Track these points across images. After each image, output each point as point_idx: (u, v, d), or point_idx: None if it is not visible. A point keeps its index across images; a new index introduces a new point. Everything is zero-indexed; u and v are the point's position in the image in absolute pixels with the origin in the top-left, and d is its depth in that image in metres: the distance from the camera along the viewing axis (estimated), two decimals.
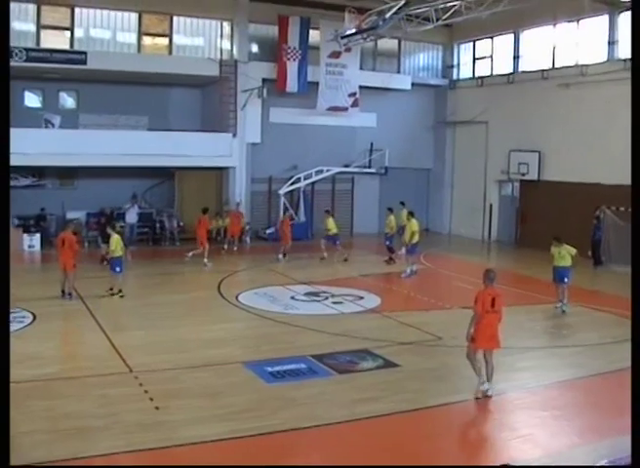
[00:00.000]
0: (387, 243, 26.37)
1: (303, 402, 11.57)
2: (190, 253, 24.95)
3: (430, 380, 12.95)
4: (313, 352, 14.27)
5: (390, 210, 26.56)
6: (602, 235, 26.80)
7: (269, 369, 13.13)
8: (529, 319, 17.87)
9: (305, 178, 32.40)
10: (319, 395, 11.99)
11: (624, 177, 26.57)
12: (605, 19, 28.54)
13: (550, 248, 19.20)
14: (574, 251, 19.00)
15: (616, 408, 11.89)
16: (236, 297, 19.64)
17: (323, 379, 12.84)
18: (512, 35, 33.02)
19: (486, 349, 12.32)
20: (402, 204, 28.64)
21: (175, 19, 30.54)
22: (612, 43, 28.41)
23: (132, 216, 28.75)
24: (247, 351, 14.61)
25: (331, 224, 26.62)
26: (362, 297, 20.13)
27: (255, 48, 32.58)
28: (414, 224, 24.06)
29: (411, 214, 24.67)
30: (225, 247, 28.44)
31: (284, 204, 31.90)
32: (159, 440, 9.76)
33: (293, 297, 19.99)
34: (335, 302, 19.52)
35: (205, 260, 24.52)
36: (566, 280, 18.88)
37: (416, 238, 23.80)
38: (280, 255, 26.29)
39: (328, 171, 32.88)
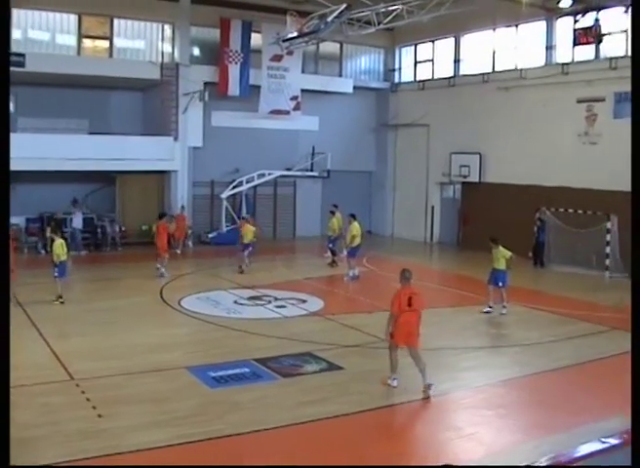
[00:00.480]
0: (330, 245, 26.38)
1: (248, 406, 11.60)
2: (159, 266, 23.51)
3: (374, 382, 13.05)
4: (257, 356, 14.30)
5: (332, 212, 26.62)
6: (545, 237, 27.11)
7: (213, 373, 13.13)
8: (472, 319, 18.14)
9: (248, 182, 32.37)
10: (263, 399, 12.03)
11: (564, 179, 27.32)
12: (543, 24, 29.12)
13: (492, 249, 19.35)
14: (508, 254, 18.95)
15: (557, 405, 12.19)
16: (179, 302, 19.55)
17: (267, 383, 12.88)
18: (453, 39, 33.51)
19: (405, 346, 12.73)
20: (335, 206, 28.79)
21: (115, 21, 30.29)
22: (549, 48, 29.04)
23: (77, 221, 28.42)
24: (190, 356, 14.56)
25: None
26: (305, 301, 20.19)
27: (196, 51, 32.49)
28: (355, 227, 24.17)
29: (353, 216, 24.75)
30: (178, 251, 28.29)
31: (226, 208, 31.86)
32: (102, 448, 9.69)
33: (236, 302, 19.98)
34: (278, 306, 19.57)
35: (162, 270, 23.41)
36: (500, 284, 18.87)
37: (356, 241, 23.92)
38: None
39: (270, 174, 32.92)
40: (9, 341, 5.81)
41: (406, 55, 36.91)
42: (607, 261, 25.55)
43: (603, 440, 6.99)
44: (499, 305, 18.96)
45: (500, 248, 19.01)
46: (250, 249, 24.38)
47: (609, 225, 25.54)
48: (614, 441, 6.92)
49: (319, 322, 17.92)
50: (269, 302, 20.01)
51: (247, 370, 13.51)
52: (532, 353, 15.51)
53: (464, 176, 32.13)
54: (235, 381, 12.86)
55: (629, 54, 25.73)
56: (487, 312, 18.79)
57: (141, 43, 31.38)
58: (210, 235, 31.43)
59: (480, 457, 9.83)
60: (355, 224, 24.33)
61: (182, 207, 30.38)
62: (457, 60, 33.48)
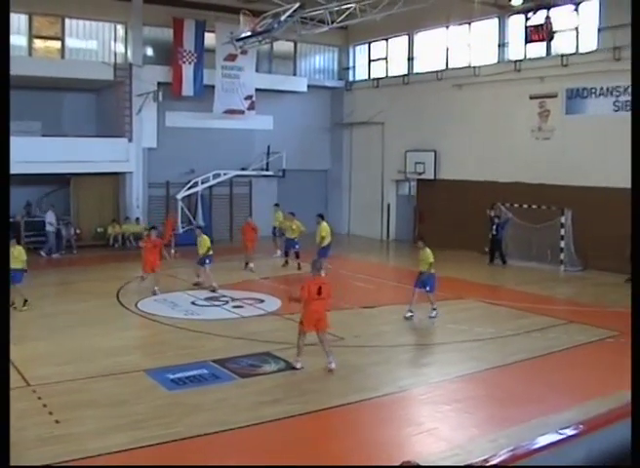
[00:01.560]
0: (297, 247, 25.74)
1: (207, 407, 11.56)
2: (143, 277, 21.63)
3: (333, 380, 13.10)
4: (215, 357, 14.26)
5: (292, 214, 26.15)
6: (504, 233, 27.18)
7: (171, 376, 13.06)
8: (429, 315, 18.20)
9: (203, 182, 32.23)
10: (222, 400, 11.99)
11: (519, 175, 27.60)
12: (495, 22, 29.39)
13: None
14: (430, 259, 18.04)
15: (514, 398, 12.34)
16: (136, 305, 19.40)
17: (226, 384, 12.85)
18: (406, 37, 33.66)
19: (314, 331, 13.63)
20: (277, 205, 28.76)
21: (67, 21, 29.92)
22: (502, 45, 29.34)
23: (50, 224, 28.04)
24: (148, 359, 14.48)
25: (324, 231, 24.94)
26: (262, 301, 20.16)
27: (150, 51, 32.25)
28: (324, 228, 24.08)
29: (321, 216, 24.66)
30: (173, 251, 27.88)
31: (182, 209, 31.70)
32: (59, 454, 9.57)
33: (193, 303, 19.89)
34: (235, 306, 19.52)
35: (156, 288, 21.01)
36: (427, 288, 18.10)
37: (326, 241, 23.85)
38: (251, 264, 25.38)
39: (225, 174, 32.82)
40: (9, 341, 5.75)
41: (360, 53, 37.01)
42: (561, 255, 25.86)
43: (560, 431, 7.07)
44: (415, 308, 18.33)
45: (427, 250, 18.26)
46: (207, 262, 21.95)
47: (563, 220, 25.87)
48: (570, 432, 7.00)
49: (277, 321, 17.90)
50: (227, 303, 19.95)
51: (205, 371, 13.46)
52: (489, 348, 15.65)
53: (420, 173, 32.33)
54: (194, 383, 12.80)
55: (580, 50, 26.17)
56: (409, 317, 18.08)
57: (94, 43, 31.07)
58: None
59: (441, 451, 9.90)
60: (324, 224, 24.21)
61: (168, 212, 30.61)
62: (410, 58, 33.64)
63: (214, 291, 21.29)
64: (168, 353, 14.80)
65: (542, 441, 6.85)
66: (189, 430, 10.48)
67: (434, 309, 18.13)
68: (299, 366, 13.64)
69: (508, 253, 27.29)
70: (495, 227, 27.01)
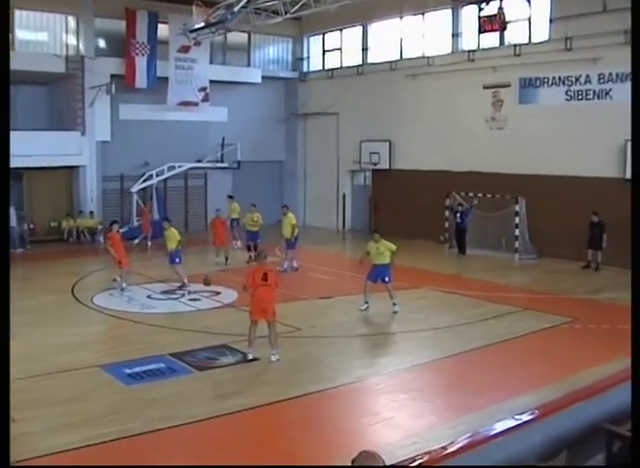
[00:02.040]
0: (259, 240, 25.10)
1: (164, 401, 11.47)
2: (117, 279, 20.85)
3: (291, 371, 13.08)
4: (172, 350, 14.17)
5: (254, 205, 25.69)
6: (468, 221, 27.09)
7: (127, 370, 12.94)
8: (385, 305, 18.23)
9: (158, 175, 31.98)
10: (180, 393, 11.92)
11: (473, 164, 27.79)
12: (448, 12, 29.53)
13: (368, 243, 18.53)
14: (394, 247, 18.09)
15: (470, 385, 12.42)
16: (91, 299, 19.19)
17: (183, 377, 12.78)
18: (361, 28, 33.64)
19: (261, 319, 13.63)
20: (231, 197, 28.57)
21: (17, 12, 29.34)
22: (455, 35, 29.50)
23: (12, 219, 27.57)
24: (104, 354, 14.32)
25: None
26: (219, 293, 20.02)
27: (102, 43, 31.84)
28: (293, 218, 23.88)
29: (286, 207, 24.53)
30: (148, 243, 27.87)
31: (137, 202, 31.44)
32: (14, 453, 9.41)
33: (149, 296, 19.73)
34: (192, 299, 19.41)
35: (124, 285, 20.52)
36: (387, 279, 17.91)
37: (296, 232, 23.59)
38: (222, 258, 25.04)
39: (180, 167, 32.59)
40: (9, 341, 5.64)
41: (314, 44, 36.95)
42: (516, 244, 26.10)
43: (516, 417, 7.14)
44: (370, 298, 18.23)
45: (384, 241, 18.13)
46: (178, 261, 20.94)
47: (517, 208, 26.10)
48: (527, 417, 7.08)
49: (233, 314, 17.79)
50: (183, 296, 19.82)
51: (162, 365, 13.36)
52: (445, 336, 15.75)
53: (375, 164, 32.40)
54: (151, 377, 12.70)
55: (532, 41, 26.38)
56: (365, 309, 17.99)
57: (45, 35, 30.56)
58: (121, 230, 30.82)
59: (398, 441, 9.92)
60: (291, 215, 23.97)
61: (144, 203, 30.70)
62: (365, 49, 33.66)
63: (182, 287, 20.57)
64: (124, 348, 14.65)
65: (500, 426, 6.93)
66: (146, 425, 10.39)
67: (395, 303, 17.97)
68: (250, 356, 13.64)
69: (466, 241, 27.42)
70: (459, 216, 27.04)
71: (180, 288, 20.57)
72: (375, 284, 18.00)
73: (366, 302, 18.03)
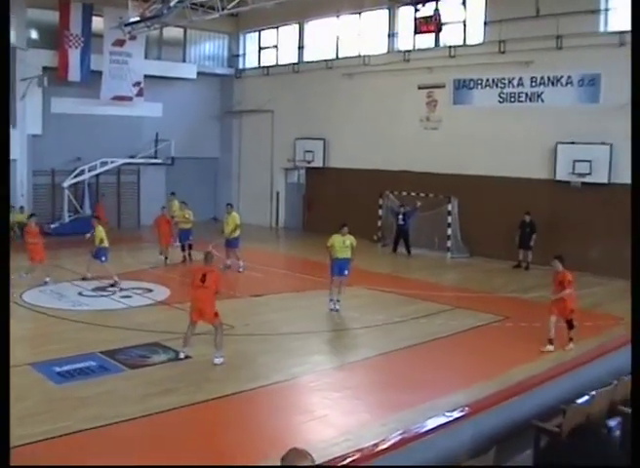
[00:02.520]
0: (191, 238, 24.76)
1: (95, 400, 11.33)
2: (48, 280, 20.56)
3: (224, 369, 13.05)
4: (103, 348, 13.98)
5: (184, 203, 25.48)
6: (411, 222, 27.02)
7: (58, 369, 12.74)
8: (318, 303, 18.28)
9: (90, 170, 31.51)
10: (111, 392, 11.79)
11: (407, 163, 28.03)
12: (385, 12, 29.72)
13: (333, 236, 18.08)
14: (355, 242, 18.05)
15: (403, 383, 12.54)
16: (20, 296, 18.81)
17: (114, 376, 12.63)
18: (297, 25, 33.63)
19: (200, 321, 13.62)
20: (172, 194, 28.31)
21: None
22: (391, 35, 29.70)
23: None
24: (34, 352, 14.06)
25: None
26: (151, 290, 19.89)
27: (34, 34, 31.22)
28: (237, 217, 23.47)
29: (230, 205, 24.18)
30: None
31: (68, 197, 30.96)
32: None
33: (80, 293, 19.45)
34: (124, 296, 19.19)
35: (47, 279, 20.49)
36: (346, 272, 17.88)
37: (238, 231, 23.20)
38: (161, 256, 24.47)
39: (113, 162, 32.14)
40: (9, 340, 5.50)
41: (250, 41, 36.80)
42: (449, 243, 26.42)
43: (447, 414, 7.25)
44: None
45: (350, 235, 18.07)
46: (104, 259, 20.85)
47: (450, 208, 26.42)
48: (457, 414, 7.20)
49: (166, 311, 17.70)
50: (115, 293, 19.59)
51: (93, 363, 13.18)
52: (378, 334, 15.86)
53: (309, 162, 32.46)
54: (82, 376, 12.53)
55: (467, 43, 26.70)
56: (336, 309, 17.96)
57: None
58: (52, 226, 30.40)
59: (331, 438, 9.97)
60: (235, 214, 23.60)
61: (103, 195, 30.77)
62: (301, 47, 33.66)
63: (114, 285, 20.29)
64: (54, 346, 14.41)
65: (431, 423, 7.04)
66: (77, 424, 10.25)
67: (339, 300, 17.96)
68: (182, 355, 13.57)
69: (394, 240, 27.57)
70: (402, 217, 26.95)
71: (112, 286, 20.31)
72: (340, 277, 17.86)
73: (331, 300, 17.96)
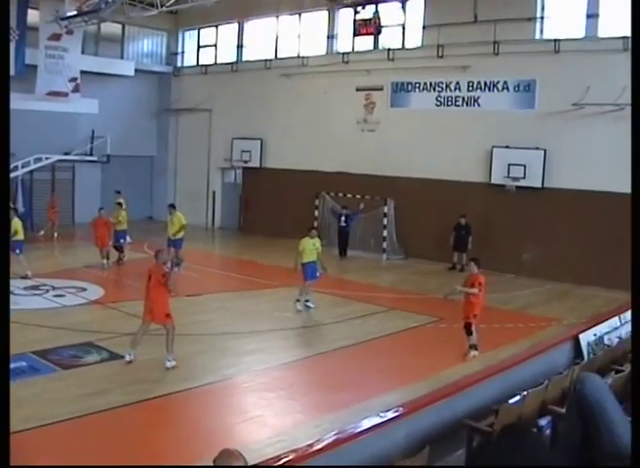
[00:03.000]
0: (122, 241, 24.28)
1: (28, 401, 11.06)
2: None
3: (158, 370, 12.92)
4: (35, 348, 13.73)
5: (119, 204, 24.94)
6: (353, 225, 27.03)
7: None
8: (253, 303, 18.29)
9: (23, 167, 30.90)
10: (42, 393, 11.58)
11: (344, 165, 28.17)
12: (325, 14, 29.80)
13: (302, 240, 18.27)
14: (318, 243, 18.32)
15: (337, 384, 12.58)
16: None
17: (46, 376, 12.43)
18: (237, 25, 33.51)
19: (150, 321, 13.36)
20: (118, 192, 27.96)
21: None
22: (331, 37, 29.82)
23: None
24: None
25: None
26: (85, 289, 19.60)
27: None
28: (181, 217, 22.68)
29: (173, 207, 23.52)
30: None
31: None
32: None
33: (12, 292, 19.02)
34: (56, 295, 18.86)
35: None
36: (318, 274, 18.27)
37: (182, 232, 22.63)
38: (105, 261, 23.45)
39: (47, 159, 31.59)
40: (9, 338, 5.33)
41: (189, 39, 36.54)
42: (384, 244, 26.60)
43: (381, 414, 7.30)
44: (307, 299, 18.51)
45: (317, 239, 18.37)
46: (18, 251, 20.01)
47: (386, 209, 26.61)
48: (391, 414, 7.25)
49: (99, 310, 17.48)
50: (47, 292, 19.26)
51: (24, 363, 12.93)
52: (313, 335, 15.93)
53: (245, 162, 32.40)
54: (12, 376, 12.14)
55: (406, 46, 26.93)
56: (310, 308, 18.17)
57: None
58: None
59: (266, 438, 9.96)
60: (179, 214, 22.81)
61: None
62: (240, 46, 33.55)
63: (25, 277, 20.06)
64: None
65: (366, 424, 7.07)
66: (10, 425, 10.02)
67: (298, 300, 18.11)
68: (127, 358, 13.21)
69: (338, 242, 27.55)
70: (344, 219, 26.92)
71: (23, 278, 19.83)
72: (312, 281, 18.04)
73: (307, 300, 18.11)
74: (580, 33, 22.79)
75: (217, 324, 16.63)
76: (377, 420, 7.12)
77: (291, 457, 6.13)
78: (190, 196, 35.35)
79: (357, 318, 17.38)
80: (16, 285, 19.68)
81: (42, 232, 27.31)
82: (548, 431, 7.73)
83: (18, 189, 31.04)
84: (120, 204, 24.88)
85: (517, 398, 8.01)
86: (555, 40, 22.99)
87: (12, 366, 12.58)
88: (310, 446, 6.43)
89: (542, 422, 7.87)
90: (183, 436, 10.22)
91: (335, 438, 6.64)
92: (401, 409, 7.45)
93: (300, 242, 18.13)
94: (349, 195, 27.37)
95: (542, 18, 23.76)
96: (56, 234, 28.23)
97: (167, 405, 11.47)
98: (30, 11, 30.46)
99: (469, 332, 14.34)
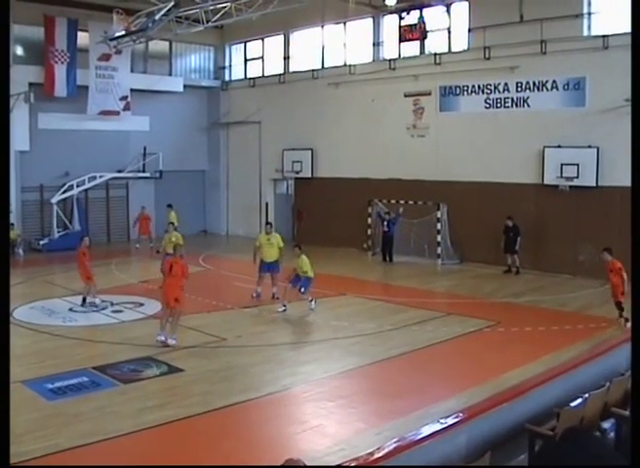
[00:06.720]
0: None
1: (88, 416, 11.22)
2: None
3: (217, 382, 12.97)
4: (95, 364, 13.87)
5: (172, 224, 23.83)
6: (395, 229, 27.04)
7: (50, 385, 12.63)
8: (310, 313, 18.27)
9: (78, 186, 31.44)
10: (104, 407, 11.68)
11: (395, 171, 28.10)
12: (370, 21, 29.80)
13: (301, 257, 19.02)
14: (306, 267, 18.75)
15: (396, 391, 12.50)
16: (11, 314, 18.74)
17: (107, 391, 12.52)
18: (282, 36, 33.67)
19: (168, 308, 15.50)
20: (169, 206, 28.29)
21: None
22: (376, 44, 29.78)
23: None
24: (25, 369, 13.90)
25: None
26: (142, 304, 19.76)
27: (20, 50, 31.17)
28: (279, 239, 21.10)
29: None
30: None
31: (57, 213, 30.87)
32: None
33: (71, 309, 19.31)
34: (115, 311, 19.05)
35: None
36: (302, 290, 18.69)
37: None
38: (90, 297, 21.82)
39: (101, 177, 32.08)
40: (9, 339, 5.48)
41: (236, 52, 36.84)
42: (439, 249, 26.44)
43: (442, 420, 7.24)
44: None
45: (303, 257, 18.83)
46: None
47: (439, 214, 26.46)
48: (452, 420, 7.19)
49: (157, 324, 17.55)
50: (105, 308, 19.47)
51: (85, 378, 13.08)
52: (370, 343, 15.82)
53: (297, 172, 32.47)
54: (74, 392, 12.43)
55: (452, 50, 26.81)
56: (283, 311, 18.47)
57: None
58: (41, 242, 30.33)
59: (326, 448, 9.94)
60: (278, 236, 21.29)
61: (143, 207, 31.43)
62: (286, 58, 33.70)
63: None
64: (46, 362, 14.31)
65: (426, 430, 7.03)
66: (70, 441, 10.15)
67: (311, 300, 18.69)
68: (159, 338, 15.25)
69: (382, 248, 27.50)
70: (386, 224, 26.96)
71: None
72: (292, 287, 18.87)
73: (284, 305, 18.61)
74: (629, 28, 22.42)
75: (273, 334, 16.67)
76: (437, 427, 7.07)
77: (352, 465, 6.12)
78: (243, 208, 35.60)
79: (414, 324, 17.28)
80: (75, 302, 20.02)
81: (137, 246, 28.12)
82: (612, 434, 7.60)
83: (73, 208, 31.53)
84: (172, 223, 23.88)
85: (579, 401, 7.89)
86: (604, 36, 22.67)
87: (73, 381, 12.86)
88: (371, 454, 6.41)
89: (606, 425, 7.75)
90: (244, 447, 10.24)
91: (395, 445, 6.61)
92: (461, 414, 7.39)
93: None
94: (402, 201, 27.26)
95: (590, 14, 23.45)
96: (152, 245, 29.31)
97: (227, 416, 11.49)
98: (80, 33, 31.05)
99: (621, 309, 16.42)
